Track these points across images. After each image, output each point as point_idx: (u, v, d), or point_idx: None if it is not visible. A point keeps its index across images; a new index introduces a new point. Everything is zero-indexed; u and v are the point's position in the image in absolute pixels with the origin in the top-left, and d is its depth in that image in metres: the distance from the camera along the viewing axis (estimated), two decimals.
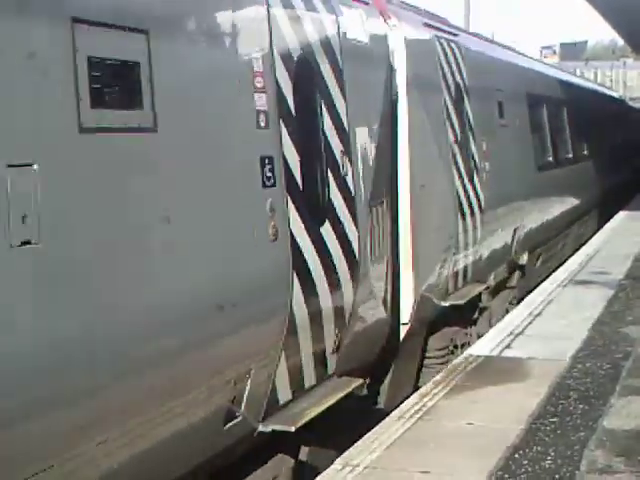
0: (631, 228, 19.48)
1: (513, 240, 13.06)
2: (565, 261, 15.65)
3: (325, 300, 6.81)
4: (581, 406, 7.24)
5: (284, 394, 6.36)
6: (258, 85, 5.99)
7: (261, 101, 6.01)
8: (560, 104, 18.82)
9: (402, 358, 9.08)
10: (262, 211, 5.94)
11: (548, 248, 16.32)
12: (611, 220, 21.17)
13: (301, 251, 6.43)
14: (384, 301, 8.21)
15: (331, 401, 6.69)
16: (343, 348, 7.16)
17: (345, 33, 7.53)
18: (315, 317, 6.63)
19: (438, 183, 9.82)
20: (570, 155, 19.13)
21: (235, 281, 5.63)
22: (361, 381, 7.39)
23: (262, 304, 5.95)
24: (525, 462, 6.09)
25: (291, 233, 6.27)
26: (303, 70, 6.68)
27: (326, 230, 6.90)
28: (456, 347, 10.33)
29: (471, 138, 11.17)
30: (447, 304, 9.89)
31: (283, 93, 6.32)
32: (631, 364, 8.45)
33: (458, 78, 10.85)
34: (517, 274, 13.71)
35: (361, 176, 7.58)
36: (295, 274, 6.30)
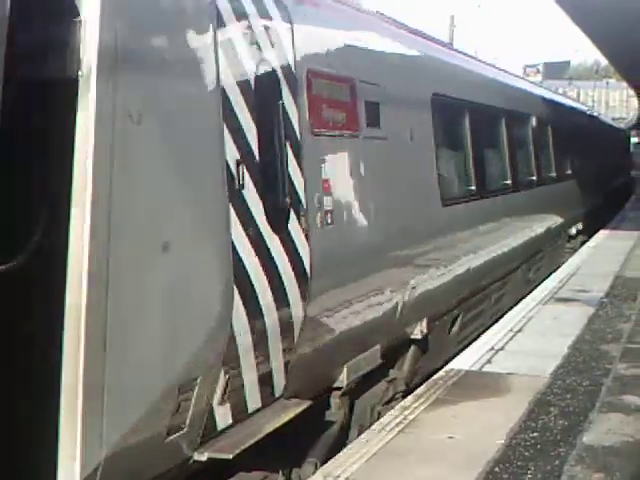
0: (612, 247, 19.61)
1: None
2: None
3: None
4: (561, 422, 7.28)
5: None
6: None
7: None
8: None
9: None
10: None
11: None
12: (591, 239, 21.31)
13: None
14: None
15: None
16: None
17: None
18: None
19: None
20: None
21: None
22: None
23: None
24: (505, 476, 6.12)
25: None
26: None
27: None
28: None
29: None
30: None
31: None
32: (611, 381, 8.51)
33: None
34: None
35: None
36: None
